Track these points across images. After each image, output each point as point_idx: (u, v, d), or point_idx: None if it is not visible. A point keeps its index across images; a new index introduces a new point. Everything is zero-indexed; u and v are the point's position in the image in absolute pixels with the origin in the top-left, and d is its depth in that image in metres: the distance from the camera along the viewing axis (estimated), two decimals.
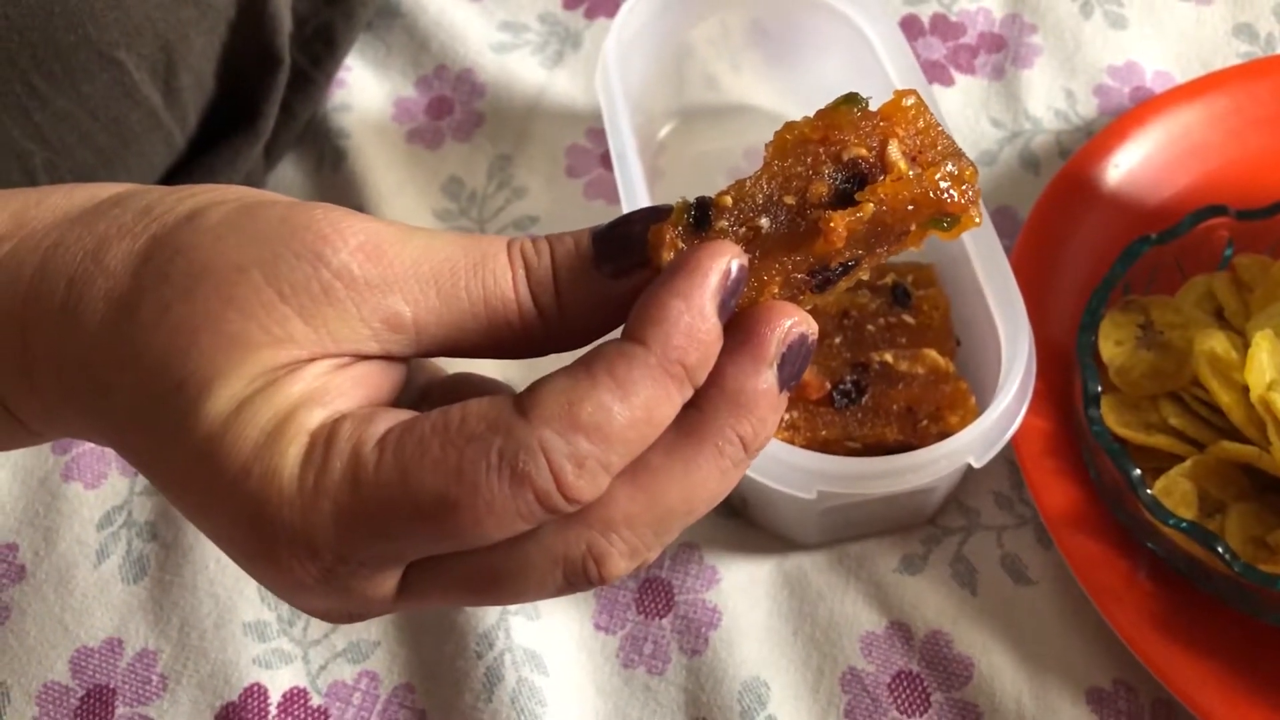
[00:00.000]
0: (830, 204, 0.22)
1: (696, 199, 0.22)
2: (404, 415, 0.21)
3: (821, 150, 0.22)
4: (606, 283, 0.22)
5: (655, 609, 0.37)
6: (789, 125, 0.23)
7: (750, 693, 0.35)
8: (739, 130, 0.49)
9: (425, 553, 0.21)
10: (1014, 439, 0.37)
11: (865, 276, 0.27)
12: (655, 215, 0.23)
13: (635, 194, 0.38)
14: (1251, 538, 0.35)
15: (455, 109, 0.50)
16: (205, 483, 0.21)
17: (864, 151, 0.22)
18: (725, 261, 0.21)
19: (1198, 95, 0.46)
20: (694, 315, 0.21)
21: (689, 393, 0.21)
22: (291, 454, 0.21)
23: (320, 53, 0.48)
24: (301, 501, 0.21)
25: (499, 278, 0.22)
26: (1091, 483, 0.37)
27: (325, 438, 0.21)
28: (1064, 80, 0.49)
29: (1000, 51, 0.50)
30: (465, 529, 0.20)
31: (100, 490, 0.41)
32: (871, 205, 0.22)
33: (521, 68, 0.51)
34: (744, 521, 0.39)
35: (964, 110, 0.49)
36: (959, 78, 0.50)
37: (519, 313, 0.22)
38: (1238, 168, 0.44)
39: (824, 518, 0.36)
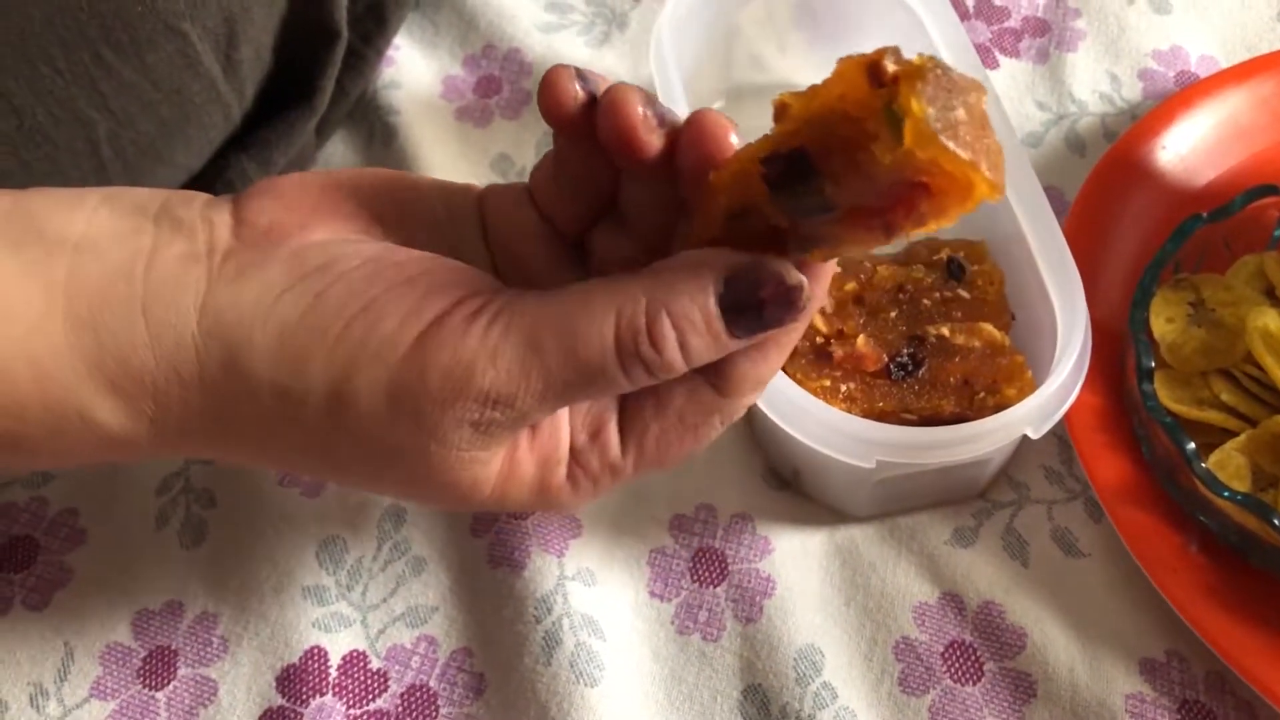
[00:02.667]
0: None
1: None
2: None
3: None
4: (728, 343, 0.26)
5: (710, 578, 0.38)
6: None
7: (805, 660, 0.36)
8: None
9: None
10: (1065, 414, 0.38)
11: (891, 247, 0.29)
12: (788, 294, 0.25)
13: None
14: None
15: (503, 87, 0.50)
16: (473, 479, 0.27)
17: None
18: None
19: (1244, 79, 0.46)
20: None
21: None
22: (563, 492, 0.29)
23: (371, 30, 0.49)
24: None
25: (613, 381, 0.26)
26: (1142, 457, 0.37)
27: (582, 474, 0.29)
28: (1108, 64, 0.49)
29: (1045, 36, 0.51)
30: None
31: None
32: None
33: (568, 47, 0.51)
34: (795, 494, 0.39)
35: (1009, 93, 0.49)
36: (1004, 61, 0.50)
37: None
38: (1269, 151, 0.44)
39: (877, 489, 0.37)
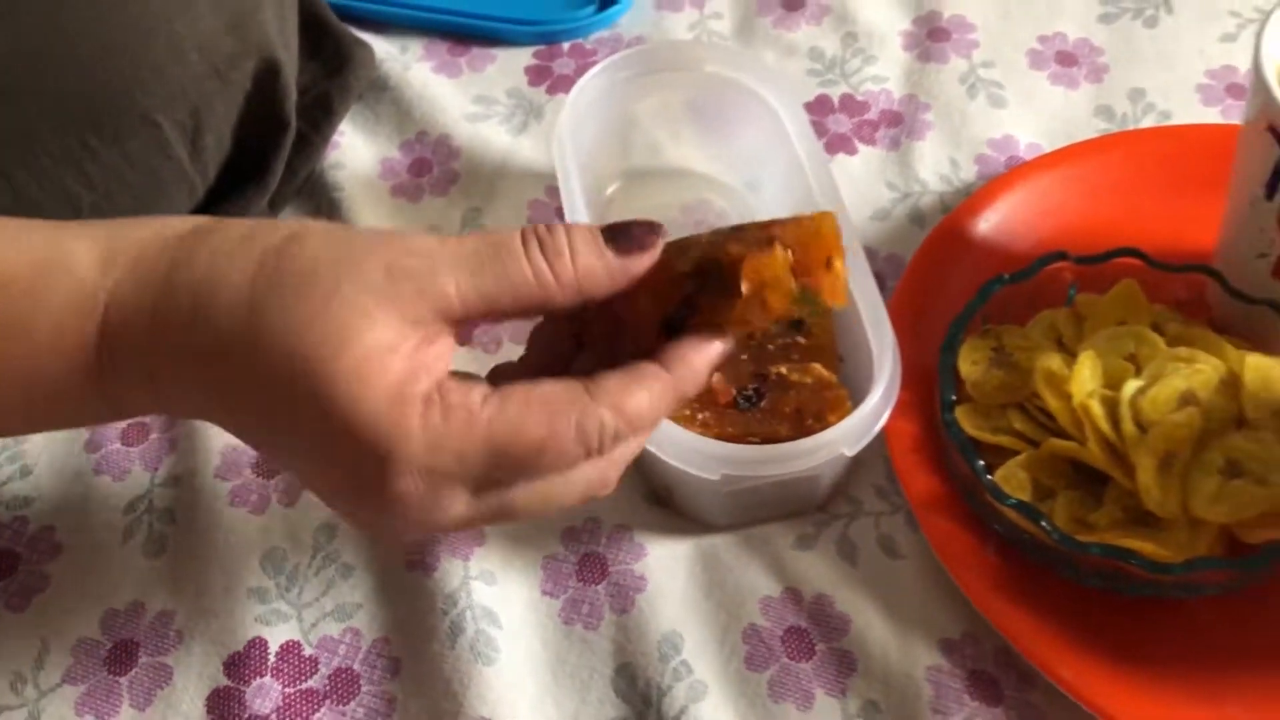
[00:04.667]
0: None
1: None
2: (480, 382, 0.32)
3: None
4: (608, 255, 0.33)
5: (592, 577, 0.45)
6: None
7: (668, 642, 0.43)
8: (676, 190, 0.57)
9: (510, 480, 0.32)
10: (888, 440, 0.46)
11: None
12: (651, 227, 0.34)
13: None
14: (1075, 518, 0.43)
15: (434, 168, 0.58)
16: (334, 434, 0.30)
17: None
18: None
19: (1058, 163, 0.55)
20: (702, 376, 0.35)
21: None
22: (413, 412, 0.30)
23: (319, 119, 0.57)
24: (427, 442, 0.30)
25: (514, 254, 0.32)
26: (950, 476, 0.45)
27: (439, 400, 0.30)
28: (950, 150, 0.58)
29: (898, 126, 0.59)
30: (547, 463, 0.31)
31: (125, 483, 0.48)
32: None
33: (491, 134, 0.59)
34: (668, 509, 0.47)
35: (864, 175, 0.58)
36: (862, 148, 0.59)
37: (537, 282, 0.32)
38: (1087, 222, 0.53)
39: (730, 501, 0.44)
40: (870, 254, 0.54)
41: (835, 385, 0.44)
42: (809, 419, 0.43)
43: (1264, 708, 0.41)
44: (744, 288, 0.33)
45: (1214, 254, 0.50)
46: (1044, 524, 0.41)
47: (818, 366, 0.44)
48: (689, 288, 0.34)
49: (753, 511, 0.46)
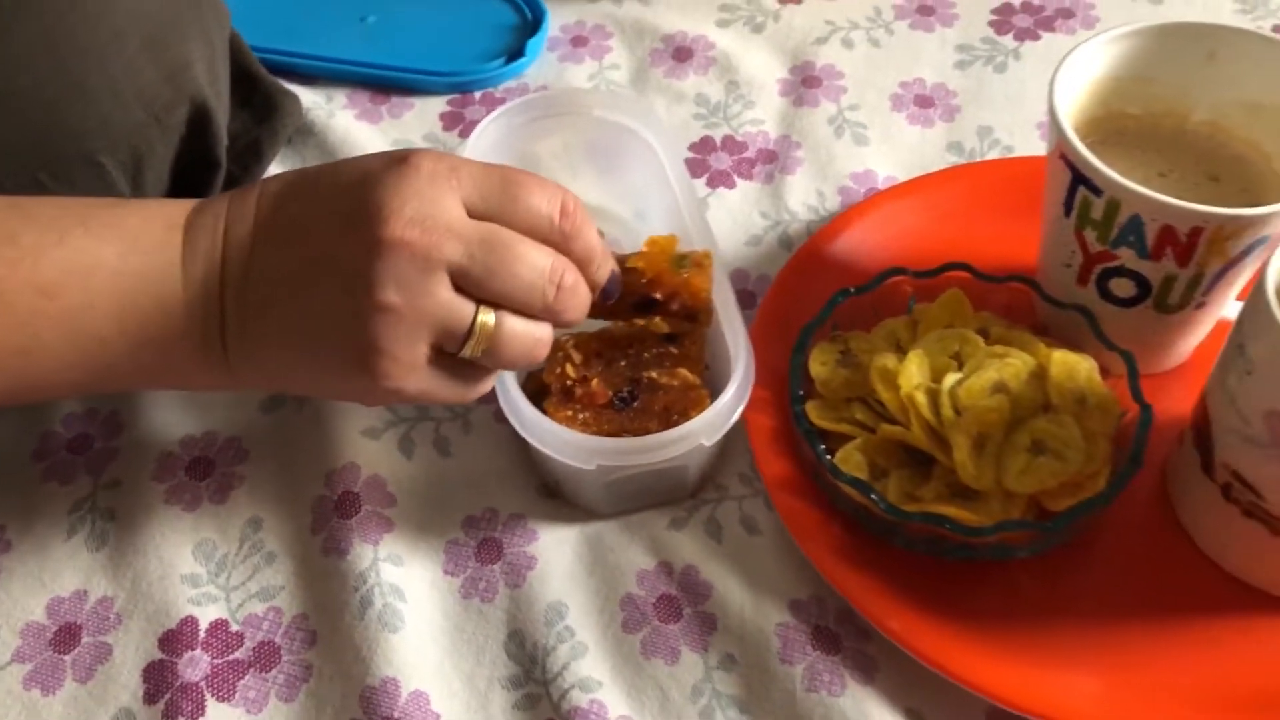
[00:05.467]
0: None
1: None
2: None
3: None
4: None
5: (489, 558, 0.51)
6: (643, 254, 0.51)
7: (553, 610, 0.49)
8: None
9: (497, 207, 0.42)
10: (749, 433, 0.52)
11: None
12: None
13: None
14: (905, 493, 0.49)
15: None
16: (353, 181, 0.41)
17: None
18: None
19: (908, 193, 0.63)
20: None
21: None
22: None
23: (250, 162, 0.63)
24: (433, 155, 0.42)
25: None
26: (801, 461, 0.52)
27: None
28: (817, 183, 0.65)
29: (773, 163, 0.67)
30: (527, 199, 0.43)
31: (70, 487, 0.54)
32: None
33: None
34: (560, 501, 0.53)
35: (742, 205, 0.65)
36: (740, 182, 0.66)
37: None
38: (930, 242, 0.60)
39: (610, 490, 0.50)
40: (744, 275, 0.61)
41: (698, 387, 0.50)
42: (675, 416, 0.49)
43: (1067, 652, 0.47)
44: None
45: (1036, 266, 0.57)
46: (874, 497, 0.47)
47: (683, 371, 0.51)
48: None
49: (632, 500, 0.52)
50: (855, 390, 0.52)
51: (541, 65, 0.73)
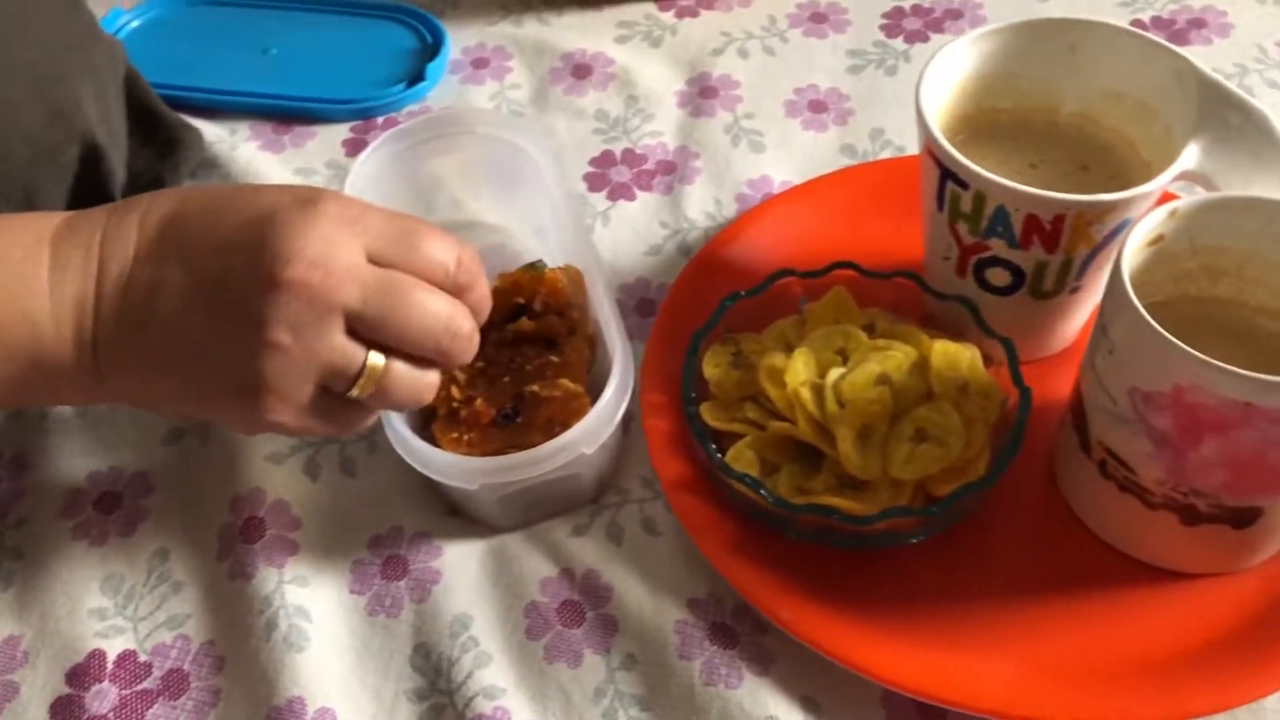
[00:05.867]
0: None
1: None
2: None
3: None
4: None
5: (394, 575, 0.52)
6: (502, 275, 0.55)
7: (459, 622, 0.49)
8: (477, 238, 0.65)
9: (395, 255, 0.42)
10: (647, 436, 0.53)
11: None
12: None
13: None
14: (796, 487, 0.50)
15: None
16: (257, 218, 0.42)
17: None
18: None
19: (800, 196, 0.64)
20: None
21: None
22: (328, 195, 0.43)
23: None
24: (339, 200, 0.42)
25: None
26: (696, 462, 0.53)
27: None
28: (715, 191, 0.67)
29: (672, 174, 0.68)
30: (426, 249, 0.43)
31: None
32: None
33: None
34: (463, 518, 0.54)
35: (642, 216, 0.66)
36: (640, 194, 0.67)
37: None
38: (820, 243, 0.61)
39: (507, 505, 0.51)
40: (645, 284, 0.63)
41: (580, 395, 0.52)
42: (558, 427, 0.50)
43: (959, 634, 0.49)
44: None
45: (921, 261, 0.59)
46: (764, 493, 0.48)
47: (565, 381, 0.52)
48: None
49: (531, 511, 0.53)
50: (747, 390, 0.54)
51: (444, 89, 0.74)
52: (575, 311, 0.56)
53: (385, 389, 0.43)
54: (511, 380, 0.52)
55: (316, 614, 0.50)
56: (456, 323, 0.43)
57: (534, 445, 0.49)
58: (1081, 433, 0.50)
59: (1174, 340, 0.42)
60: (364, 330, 0.42)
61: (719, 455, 0.50)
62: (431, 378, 0.44)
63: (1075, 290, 0.54)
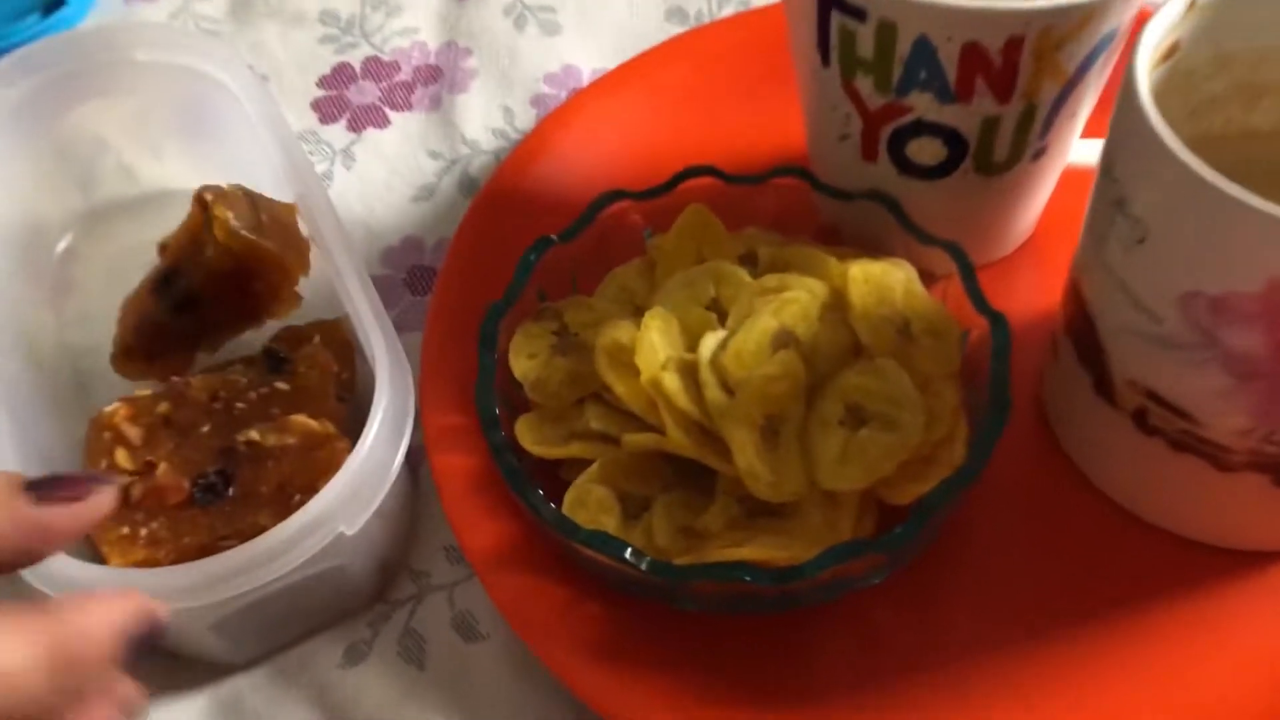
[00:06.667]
0: None
1: None
2: None
3: None
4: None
5: None
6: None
7: None
8: (160, 219, 0.44)
9: None
10: (439, 485, 0.34)
11: None
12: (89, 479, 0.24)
13: None
14: (681, 528, 0.32)
15: None
16: None
17: None
18: None
19: (621, 84, 0.45)
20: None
21: None
22: None
23: None
24: None
25: None
26: (523, 515, 0.34)
27: None
28: (501, 98, 0.47)
29: (437, 82, 0.48)
30: None
31: None
32: None
33: None
34: (164, 654, 0.34)
35: (402, 148, 0.46)
36: (395, 117, 0.47)
37: None
38: (663, 148, 0.42)
39: (226, 632, 0.32)
40: (417, 244, 0.43)
41: (331, 437, 0.32)
42: (296, 494, 0.31)
43: (955, 692, 0.31)
44: None
45: (807, 151, 0.40)
46: (629, 556, 0.30)
47: (302, 418, 0.32)
48: None
49: (277, 633, 0.33)
50: (584, 386, 0.35)
51: (103, 15, 0.52)
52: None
53: None
54: (214, 429, 0.33)
55: None
56: None
57: (260, 530, 0.30)
58: (1096, 371, 0.32)
59: (1264, 204, 0.25)
60: None
61: (551, 506, 0.31)
62: None
63: (1040, 155, 0.36)
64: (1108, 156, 0.30)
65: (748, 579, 0.29)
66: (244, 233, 0.34)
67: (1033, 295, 0.39)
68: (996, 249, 0.40)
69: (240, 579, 0.29)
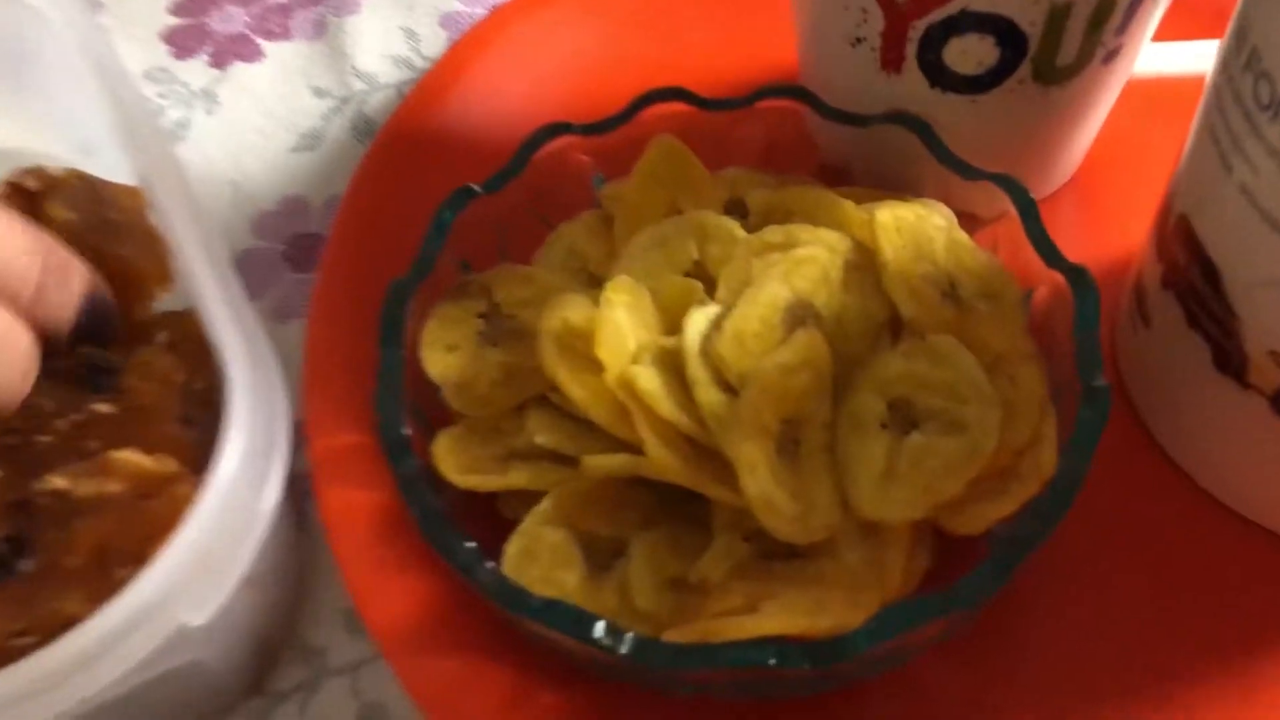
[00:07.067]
0: None
1: None
2: None
3: None
4: None
5: None
6: None
7: None
8: None
9: None
10: (329, 529, 0.25)
11: None
12: None
13: None
14: (669, 580, 0.23)
15: None
16: None
17: None
18: None
19: None
20: None
21: None
22: None
23: None
24: None
25: None
26: (443, 570, 0.25)
27: None
28: (401, 18, 0.38)
29: (321, 3, 0.38)
30: None
31: None
32: None
33: None
34: None
35: (279, 86, 0.36)
36: (269, 47, 0.37)
37: None
38: (613, 68, 0.33)
39: None
40: (301, 205, 0.33)
41: (171, 479, 0.22)
42: (122, 565, 0.22)
43: None
44: None
45: (799, 66, 0.31)
46: (601, 636, 0.21)
47: (125, 455, 0.22)
48: None
49: None
50: (525, 387, 0.25)
51: None
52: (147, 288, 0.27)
53: None
54: (3, 475, 0.23)
55: None
56: None
57: (68, 622, 0.21)
58: (1218, 339, 0.24)
59: None
60: None
61: (486, 566, 0.22)
62: None
63: (1112, 57, 0.27)
64: (1242, 23, 0.21)
65: (772, 662, 0.20)
66: (88, 237, 0.25)
67: (1087, 242, 0.31)
68: (1042, 184, 0.32)
69: (41, 698, 0.19)
